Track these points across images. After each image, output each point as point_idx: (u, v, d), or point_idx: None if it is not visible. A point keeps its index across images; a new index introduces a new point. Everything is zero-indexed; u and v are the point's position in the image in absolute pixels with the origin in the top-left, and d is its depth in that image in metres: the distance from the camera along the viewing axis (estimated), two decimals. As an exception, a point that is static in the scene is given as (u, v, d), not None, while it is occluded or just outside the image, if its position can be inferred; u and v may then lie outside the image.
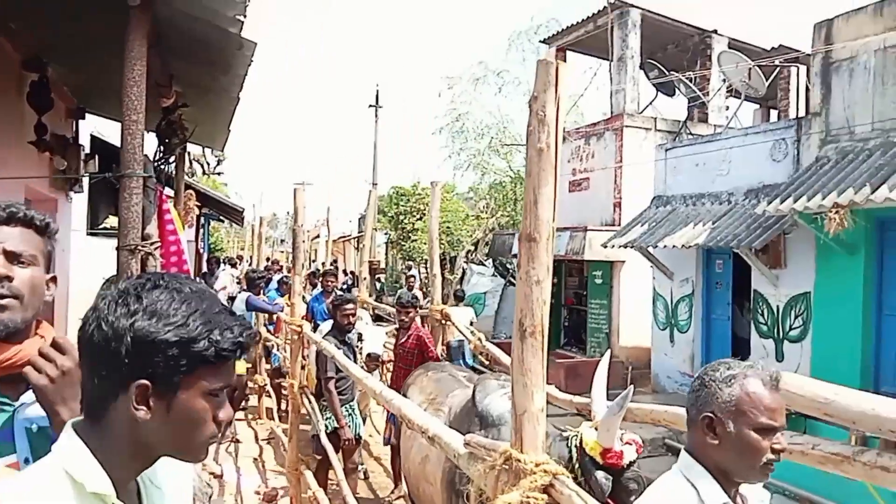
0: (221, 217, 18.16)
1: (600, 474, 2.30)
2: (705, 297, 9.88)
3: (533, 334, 1.75)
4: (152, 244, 2.88)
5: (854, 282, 7.39)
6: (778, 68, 10.84)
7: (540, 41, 15.20)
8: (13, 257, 1.30)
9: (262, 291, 8.31)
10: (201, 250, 15.14)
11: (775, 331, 8.43)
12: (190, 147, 7.07)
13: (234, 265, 19.06)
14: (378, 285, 21.61)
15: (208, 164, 26.96)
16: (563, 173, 12.49)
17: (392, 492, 6.07)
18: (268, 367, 9.17)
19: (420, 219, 19.73)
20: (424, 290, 12.16)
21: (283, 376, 8.02)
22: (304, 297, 8.27)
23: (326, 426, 5.41)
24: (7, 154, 4.28)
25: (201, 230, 15.30)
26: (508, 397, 1.83)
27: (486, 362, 9.59)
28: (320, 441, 5.31)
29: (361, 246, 12.47)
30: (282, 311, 7.75)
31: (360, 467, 6.15)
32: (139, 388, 0.98)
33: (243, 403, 8.56)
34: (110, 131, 6.43)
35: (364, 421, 6.28)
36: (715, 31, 12.59)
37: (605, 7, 12.03)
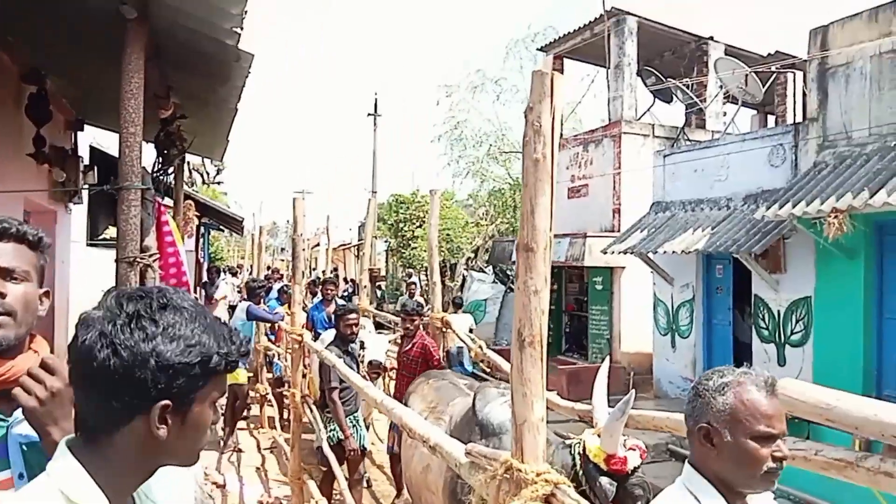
0: (221, 226, 18.18)
1: (604, 480, 2.29)
2: (706, 303, 9.88)
3: (532, 344, 1.75)
4: (151, 256, 2.88)
5: (854, 286, 7.39)
6: (775, 74, 10.88)
7: (537, 49, 15.25)
8: (6, 273, 1.29)
9: (262, 300, 8.31)
10: (201, 260, 15.13)
11: (777, 335, 8.42)
12: (189, 157, 7.09)
13: (234, 274, 19.06)
14: (379, 293, 21.60)
15: (208, 173, 27.01)
16: (562, 180, 12.63)
17: (394, 500, 6.05)
18: (269, 376, 9.16)
19: (420, 226, 19.74)
20: (425, 297, 12.16)
21: (284, 385, 8.00)
22: (304, 306, 8.27)
23: (331, 437, 5.38)
24: (6, 166, 4.28)
25: (201, 240, 15.30)
26: (509, 405, 1.82)
27: (487, 369, 9.60)
28: (337, 454, 5.29)
29: (361, 254, 12.48)
30: (282, 319, 7.75)
31: (363, 476, 6.12)
32: (162, 409, 0.98)
33: (245, 413, 8.54)
34: (109, 142, 6.44)
35: (367, 429, 6.26)
36: (711, 38, 12.64)
37: (601, 15, 12.07)
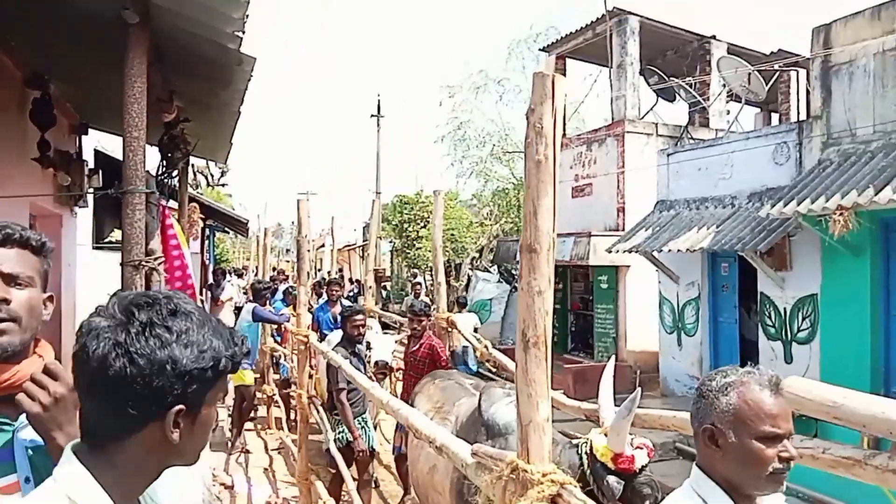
0: (226, 229, 18.23)
1: (612, 479, 2.29)
2: (712, 301, 9.86)
3: (536, 344, 1.75)
4: (156, 259, 2.90)
5: (860, 283, 7.36)
6: (778, 72, 10.85)
7: (539, 49, 15.25)
8: (10, 279, 1.30)
9: (267, 302, 8.32)
10: (207, 262, 15.18)
11: (783, 333, 8.40)
12: (194, 159, 7.11)
13: (240, 276, 19.11)
14: (384, 293, 21.61)
15: (212, 175, 27.08)
16: (565, 179, 12.63)
17: (402, 500, 6.05)
18: (276, 377, 9.17)
19: (424, 226, 19.76)
20: (430, 297, 12.17)
21: (291, 386, 8.02)
22: (310, 307, 8.28)
23: (340, 439, 5.38)
24: (11, 171, 4.30)
25: (206, 242, 15.35)
26: (514, 406, 1.82)
27: (493, 369, 9.59)
28: (346, 456, 5.28)
29: (366, 254, 12.49)
30: (288, 321, 7.77)
31: (372, 477, 6.13)
32: (176, 414, 0.99)
33: (252, 414, 8.56)
34: (114, 146, 6.47)
35: (375, 429, 6.26)
36: (713, 37, 12.61)
37: (603, 15, 12.06)
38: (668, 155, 10.58)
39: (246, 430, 8.07)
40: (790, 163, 8.48)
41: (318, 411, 6.05)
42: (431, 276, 9.23)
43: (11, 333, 1.28)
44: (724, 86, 11.99)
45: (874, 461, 1.86)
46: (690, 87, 12.43)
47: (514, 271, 16.04)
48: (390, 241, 23.94)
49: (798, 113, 10.71)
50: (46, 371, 1.22)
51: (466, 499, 3.08)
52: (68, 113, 5.59)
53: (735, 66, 10.85)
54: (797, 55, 10.65)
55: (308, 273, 7.31)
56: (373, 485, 6.18)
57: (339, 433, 5.40)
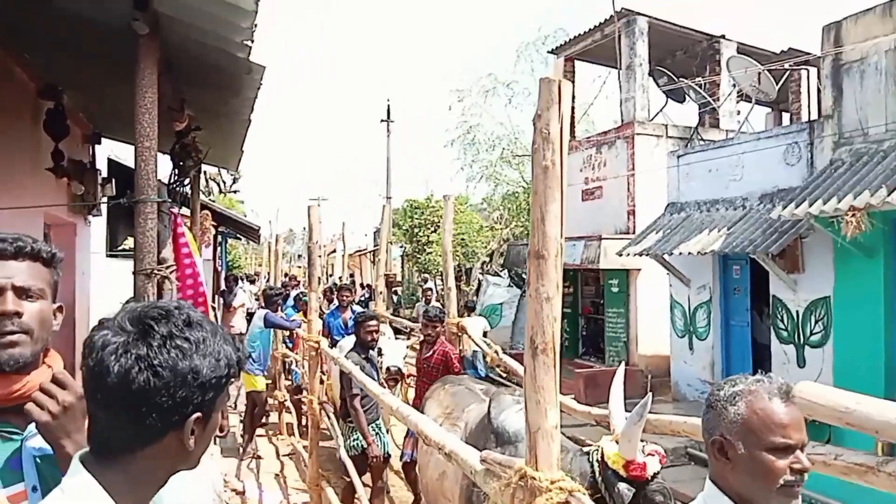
0: (238, 235, 18.33)
1: (623, 486, 2.27)
2: (723, 304, 9.80)
3: (544, 351, 1.75)
4: (168, 268, 2.92)
5: (874, 284, 7.29)
6: (788, 71, 10.79)
7: (548, 52, 15.25)
8: (22, 292, 1.32)
9: (279, 308, 8.36)
10: (219, 268, 15.27)
11: (796, 336, 8.33)
12: (206, 167, 7.17)
13: (252, 282, 19.22)
14: (395, 298, 21.65)
15: (224, 182, 27.26)
16: (575, 182, 12.60)
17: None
18: (287, 383, 9.21)
19: (435, 231, 19.78)
20: (441, 302, 12.18)
21: (302, 392, 8.05)
22: (321, 313, 8.31)
23: (354, 446, 5.36)
24: (25, 181, 4.36)
25: (218, 248, 15.44)
26: (524, 413, 1.82)
27: (504, 374, 9.56)
28: (355, 463, 5.28)
29: (377, 259, 12.52)
30: (299, 327, 7.80)
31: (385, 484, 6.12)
32: (195, 422, 1.02)
33: (264, 420, 8.60)
34: (127, 154, 6.54)
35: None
36: (723, 37, 12.55)
37: (612, 16, 12.05)
38: (679, 157, 10.54)
39: (257, 435, 8.10)
40: (801, 163, 8.42)
41: (329, 417, 6.06)
42: (442, 280, 9.25)
43: (23, 345, 1.31)
44: (734, 86, 11.93)
45: (887, 468, 1.84)
46: (700, 87, 12.38)
47: (524, 275, 16.01)
48: (401, 246, 23.99)
49: (809, 112, 10.65)
50: (55, 380, 1.24)
51: (476, 506, 3.07)
52: (81, 123, 5.65)
53: (745, 65, 10.80)
54: (808, 54, 10.59)
55: (319, 279, 7.34)
56: (385, 492, 6.18)
57: (354, 440, 5.39)
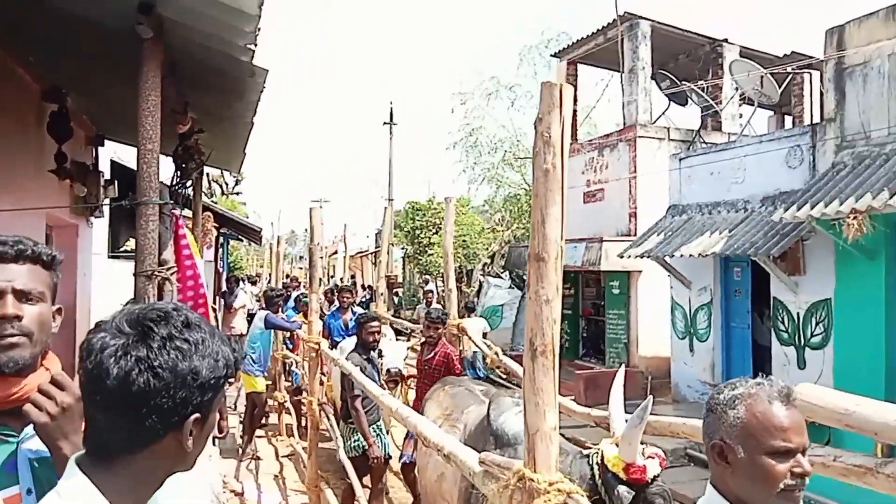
0: (240, 237, 18.36)
1: (623, 489, 2.27)
2: (724, 306, 9.80)
3: (544, 353, 1.76)
4: (169, 269, 2.93)
5: (875, 287, 7.29)
6: (791, 75, 10.79)
7: (551, 55, 15.26)
8: (22, 296, 1.32)
9: (280, 309, 8.37)
10: (221, 270, 15.29)
11: (796, 338, 8.33)
12: (208, 169, 7.19)
13: (253, 283, 19.23)
14: (396, 300, 21.65)
15: (227, 184, 27.29)
16: (577, 184, 12.62)
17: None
18: (287, 384, 9.22)
19: (436, 233, 19.80)
20: (442, 304, 12.19)
21: (302, 393, 8.06)
22: (321, 315, 8.32)
23: (355, 447, 5.36)
24: (28, 183, 4.37)
25: (220, 250, 15.46)
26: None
27: (504, 375, 9.56)
28: (356, 464, 5.28)
29: (379, 261, 12.53)
30: (300, 328, 7.81)
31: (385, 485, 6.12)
32: (194, 422, 1.02)
33: (264, 421, 8.60)
34: (130, 156, 6.55)
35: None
36: (726, 40, 12.57)
37: (614, 20, 12.06)
38: (681, 159, 10.55)
39: (257, 436, 8.11)
40: (804, 166, 8.42)
41: (328, 418, 6.06)
42: (443, 282, 9.26)
43: (23, 348, 1.31)
44: (736, 89, 11.94)
45: (886, 469, 1.85)
46: (702, 90, 12.38)
47: (525, 277, 16.01)
48: (402, 248, 24.01)
49: (812, 116, 10.64)
50: (54, 381, 1.25)
51: (475, 508, 3.08)
52: (85, 125, 5.67)
53: (747, 69, 10.80)
54: (810, 57, 10.59)
55: (321, 280, 7.36)
56: (385, 493, 6.18)
57: (354, 441, 5.39)
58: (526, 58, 20.47)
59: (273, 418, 9.24)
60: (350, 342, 6.60)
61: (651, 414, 2.32)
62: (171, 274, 2.94)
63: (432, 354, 5.58)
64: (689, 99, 13.40)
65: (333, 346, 7.50)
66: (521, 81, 20.71)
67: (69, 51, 3.79)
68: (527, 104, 20.27)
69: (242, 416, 8.34)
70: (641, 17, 12.02)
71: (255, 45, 2.83)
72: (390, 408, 3.41)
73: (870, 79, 7.52)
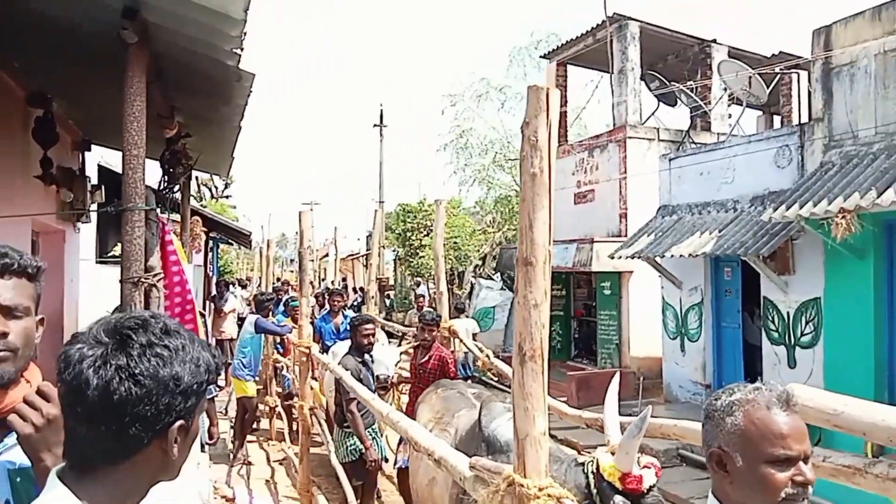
0: (230, 241, 18.28)
1: (619, 499, 2.25)
2: (715, 306, 9.83)
3: (533, 357, 1.75)
4: (155, 276, 2.91)
5: (864, 286, 7.33)
6: (779, 75, 10.85)
7: (540, 56, 15.29)
8: (7, 311, 1.32)
9: (270, 313, 8.34)
10: (210, 274, 15.22)
11: (786, 337, 8.37)
12: (198, 172, 7.15)
13: (244, 286, 19.14)
14: (387, 302, 21.62)
15: (216, 188, 27.17)
16: (568, 186, 12.64)
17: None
18: (278, 389, 9.17)
19: (427, 235, 19.77)
20: (433, 306, 12.17)
21: (294, 398, 8.02)
22: (311, 319, 8.28)
23: (352, 452, 5.33)
24: (13, 189, 4.33)
25: (210, 254, 15.39)
26: (515, 421, 1.82)
27: (495, 377, 9.55)
28: (355, 470, 5.24)
29: (370, 263, 12.50)
30: (290, 332, 7.78)
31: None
32: (179, 430, 1.01)
33: (255, 425, 8.56)
34: (117, 161, 6.50)
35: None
36: (714, 41, 12.62)
37: (604, 21, 12.09)
38: (670, 160, 10.58)
39: (248, 441, 8.07)
40: (792, 166, 8.46)
41: (320, 423, 6.03)
42: (434, 284, 9.26)
43: (8, 363, 1.31)
44: (725, 89, 11.99)
45: (875, 469, 1.85)
46: (692, 91, 12.43)
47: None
48: (394, 250, 23.95)
49: (800, 115, 10.69)
50: (40, 392, 1.24)
51: (465, 513, 3.06)
52: (71, 130, 5.63)
53: (736, 69, 10.85)
54: (798, 57, 10.65)
55: (311, 283, 7.34)
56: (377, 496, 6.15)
57: (350, 445, 5.34)
58: (516, 59, 20.54)
59: (264, 423, 9.19)
60: (342, 346, 6.56)
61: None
62: (158, 281, 2.92)
63: (427, 358, 5.55)
64: (678, 99, 13.45)
65: (325, 350, 7.47)
66: (510, 83, 20.76)
67: (54, 55, 3.76)
68: (517, 106, 20.32)
69: (233, 421, 8.29)
70: (630, 18, 12.06)
71: (242, 49, 2.81)
72: (381, 412, 3.39)
73: (857, 79, 7.56)
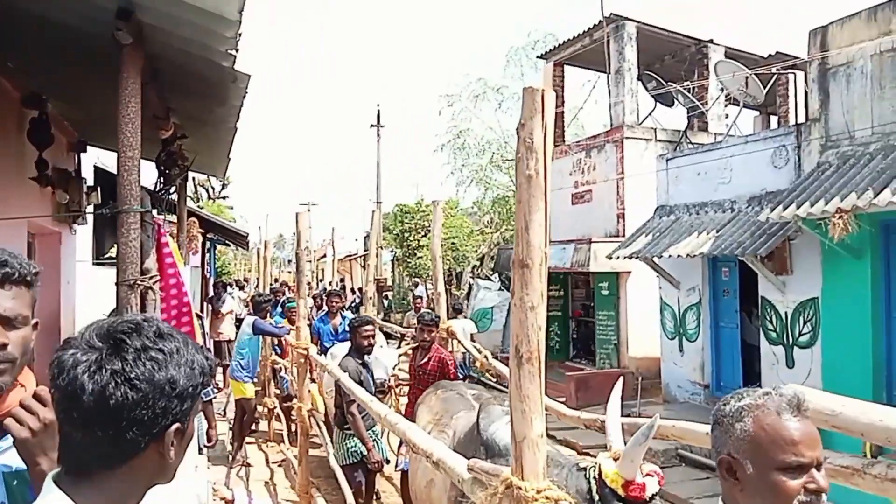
0: (227, 242, 18.27)
1: None
2: (713, 306, 9.83)
3: (529, 360, 1.75)
4: (151, 278, 2.90)
5: (861, 286, 7.34)
6: (776, 75, 10.86)
7: (537, 57, 15.29)
8: (8, 322, 1.31)
9: (268, 314, 8.32)
10: (208, 275, 15.19)
11: (784, 337, 8.37)
12: (194, 173, 7.13)
13: (241, 288, 19.14)
14: (385, 303, 21.61)
15: (213, 188, 27.15)
16: (565, 186, 12.65)
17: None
18: (277, 390, 9.16)
19: (425, 235, 19.78)
20: (431, 307, 12.16)
21: (292, 400, 8.01)
22: (309, 321, 8.26)
23: (353, 453, 5.30)
24: (9, 191, 4.32)
25: (207, 255, 15.36)
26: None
27: (494, 378, 9.56)
28: (355, 471, 5.22)
29: (367, 264, 12.49)
30: (288, 333, 7.76)
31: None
32: (175, 433, 1.01)
33: (253, 427, 8.54)
34: (113, 162, 6.48)
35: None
36: (711, 41, 12.63)
37: (601, 21, 12.10)
38: (668, 160, 10.58)
39: (247, 443, 8.05)
40: (789, 166, 8.47)
41: (318, 425, 6.02)
42: (432, 285, 9.27)
43: (7, 374, 1.31)
44: (722, 90, 12.00)
45: (873, 470, 1.85)
46: (688, 91, 12.44)
47: (515, 279, 16.00)
48: (391, 251, 23.97)
49: (797, 116, 10.71)
50: (36, 396, 1.23)
51: (463, 516, 3.05)
52: (67, 131, 5.61)
53: (733, 69, 10.86)
54: (795, 58, 10.67)
55: (309, 284, 7.33)
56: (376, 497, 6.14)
57: (352, 447, 5.31)
58: (513, 59, 20.55)
59: (263, 425, 9.18)
60: (341, 348, 6.54)
61: (638, 416, 2.30)
62: (154, 283, 2.91)
63: (426, 359, 5.52)
64: (675, 100, 13.46)
65: (323, 351, 7.45)
66: (508, 83, 20.77)
67: (49, 57, 3.74)
68: (514, 106, 20.34)
69: (232, 422, 8.28)
70: (627, 19, 12.06)
71: (237, 50, 2.80)
72: (379, 414, 3.39)
73: (853, 79, 7.57)
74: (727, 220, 8.96)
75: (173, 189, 4.94)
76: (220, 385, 10.11)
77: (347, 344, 5.77)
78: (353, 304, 14.29)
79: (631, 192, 11.63)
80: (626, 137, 11.84)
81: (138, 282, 2.65)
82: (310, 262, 16.53)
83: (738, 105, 11.63)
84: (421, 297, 14.24)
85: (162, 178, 4.58)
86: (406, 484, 5.56)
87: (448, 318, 6.54)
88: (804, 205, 7.10)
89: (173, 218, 5.61)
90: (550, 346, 12.51)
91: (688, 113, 13.22)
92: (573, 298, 13.65)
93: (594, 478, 2.32)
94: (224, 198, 28.17)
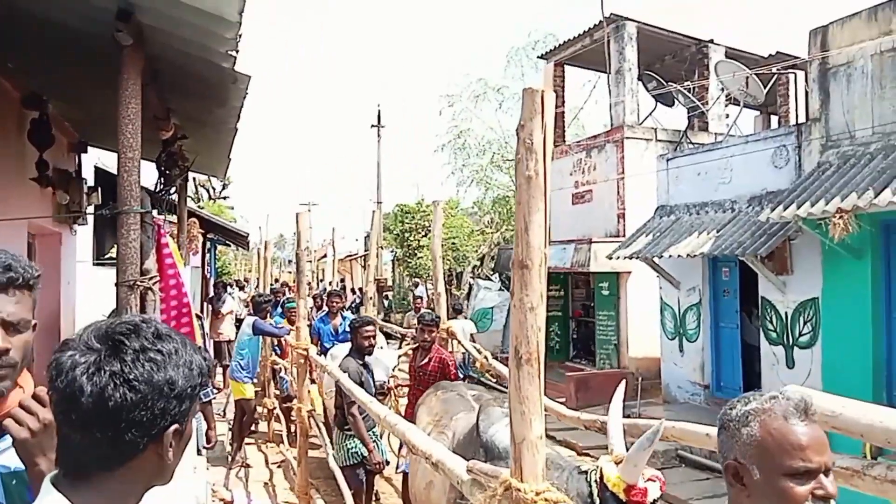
0: (227, 242, 18.27)
1: None
2: (713, 306, 9.83)
3: (529, 361, 1.75)
4: (151, 279, 2.90)
5: (862, 286, 7.34)
6: (776, 75, 10.86)
7: (538, 57, 15.29)
8: (10, 327, 1.31)
9: (268, 315, 8.32)
10: (208, 275, 15.19)
11: (785, 337, 8.37)
12: (194, 173, 7.13)
13: (241, 288, 19.14)
14: (386, 303, 21.61)
15: (213, 188, 27.17)
16: (565, 186, 12.64)
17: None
18: (277, 391, 9.16)
19: (425, 236, 19.78)
20: (432, 308, 12.16)
21: (292, 400, 8.00)
22: (309, 322, 8.25)
23: (354, 454, 5.29)
24: (10, 192, 4.32)
25: (207, 255, 15.37)
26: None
27: (494, 378, 9.55)
28: (355, 472, 5.22)
29: (368, 264, 12.49)
30: (288, 334, 7.76)
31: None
32: (174, 434, 1.01)
33: (253, 427, 8.53)
34: (114, 162, 6.48)
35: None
36: (711, 41, 12.63)
37: (601, 21, 12.10)
38: (668, 160, 10.58)
39: (246, 443, 8.04)
40: (790, 166, 8.47)
41: (318, 426, 6.02)
42: (433, 285, 9.27)
43: (8, 379, 1.31)
44: (722, 90, 12.00)
45: (873, 471, 1.85)
46: (689, 91, 12.44)
47: (515, 279, 16.00)
48: (392, 251, 23.97)
49: (797, 115, 10.70)
50: (35, 397, 1.23)
51: (463, 518, 3.04)
52: (67, 132, 5.61)
53: (733, 69, 10.85)
54: (795, 58, 10.66)
55: (309, 284, 7.34)
56: (374, 497, 6.14)
57: (352, 448, 5.31)
58: (513, 59, 20.55)
59: (262, 425, 9.17)
60: (341, 348, 6.53)
61: (637, 417, 2.29)
62: (154, 284, 2.91)
63: (427, 360, 5.51)
64: (675, 100, 13.46)
65: (323, 352, 7.45)
66: (508, 83, 20.77)
67: (49, 57, 3.75)
68: (514, 106, 20.34)
69: (231, 423, 8.27)
70: (627, 19, 12.06)
71: (237, 51, 2.80)
72: (379, 415, 3.38)
73: (853, 79, 7.57)
74: (727, 220, 8.95)
75: (173, 189, 4.94)
76: (220, 385, 10.10)
77: (348, 344, 5.76)
78: (353, 305, 14.30)
79: (631, 192, 11.63)
80: (627, 137, 11.84)
81: (138, 282, 2.65)
82: (310, 262, 16.53)
83: (738, 105, 11.62)
84: (421, 298, 14.23)
85: (162, 179, 4.58)
86: (407, 486, 5.56)
87: (448, 319, 6.54)
88: (804, 205, 7.09)
89: (173, 218, 5.61)
90: (550, 347, 12.51)
91: (688, 113, 13.22)
92: (573, 298, 13.65)
93: (595, 481, 2.31)
94: (224, 198, 28.19)
